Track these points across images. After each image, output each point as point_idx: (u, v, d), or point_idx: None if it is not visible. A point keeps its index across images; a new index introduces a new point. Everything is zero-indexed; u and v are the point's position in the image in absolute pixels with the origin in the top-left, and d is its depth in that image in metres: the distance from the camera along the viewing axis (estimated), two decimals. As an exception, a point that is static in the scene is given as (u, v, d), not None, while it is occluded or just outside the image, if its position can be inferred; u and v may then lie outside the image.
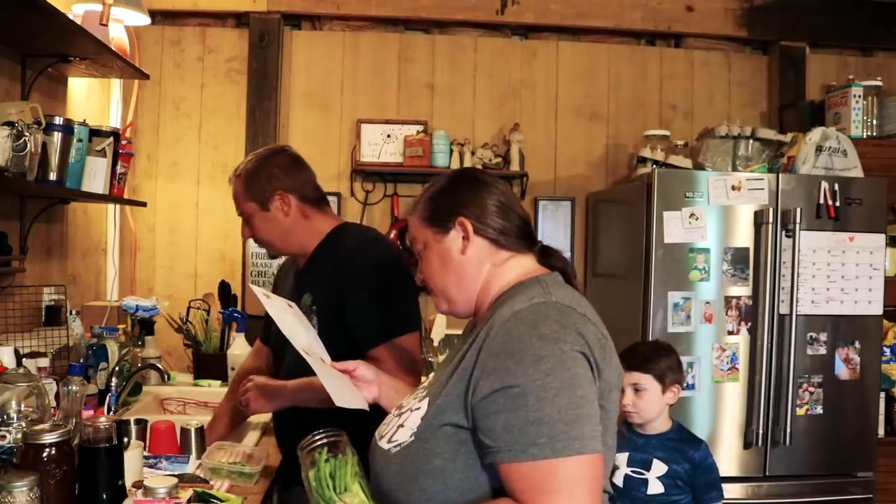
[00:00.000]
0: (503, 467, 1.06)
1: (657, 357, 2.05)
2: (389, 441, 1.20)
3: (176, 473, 1.62)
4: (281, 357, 1.91)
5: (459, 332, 2.97)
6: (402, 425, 1.20)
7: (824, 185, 2.72)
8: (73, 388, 1.51)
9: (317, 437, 1.23)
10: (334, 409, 1.36)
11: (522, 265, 1.26)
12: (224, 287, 3.10)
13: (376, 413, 1.41)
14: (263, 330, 2.16)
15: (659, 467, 1.99)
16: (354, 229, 1.97)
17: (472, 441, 1.11)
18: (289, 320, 1.55)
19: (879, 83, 3.26)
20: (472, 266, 1.25)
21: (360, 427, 1.32)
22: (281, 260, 2.19)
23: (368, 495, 1.18)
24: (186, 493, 1.46)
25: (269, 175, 1.84)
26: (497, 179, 1.32)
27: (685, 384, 2.50)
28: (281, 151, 1.92)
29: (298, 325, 1.57)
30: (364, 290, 1.74)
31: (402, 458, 1.16)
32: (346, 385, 1.42)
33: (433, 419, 1.15)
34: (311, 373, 1.44)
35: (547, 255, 1.29)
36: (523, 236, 1.27)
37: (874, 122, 3.22)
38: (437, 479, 1.12)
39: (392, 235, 3.18)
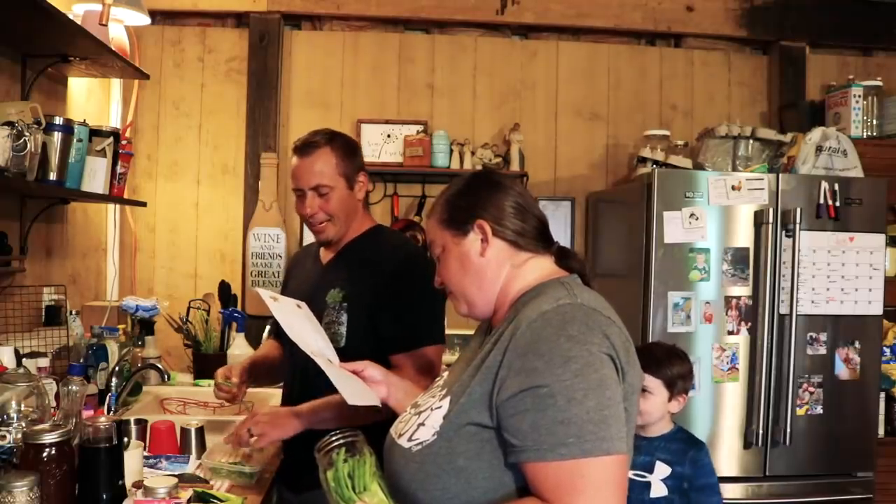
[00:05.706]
0: (529, 466, 1.06)
1: (671, 362, 1.99)
2: (410, 439, 1.20)
3: (176, 473, 1.62)
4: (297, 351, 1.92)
5: (459, 331, 3.01)
6: (422, 424, 1.19)
7: (824, 185, 2.72)
8: (73, 388, 1.51)
9: (334, 438, 1.23)
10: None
11: (542, 266, 1.26)
12: (224, 287, 3.10)
13: (390, 414, 1.41)
14: (275, 324, 2.13)
15: (662, 469, 1.94)
16: (391, 233, 2.04)
17: (496, 440, 1.11)
18: (296, 322, 1.55)
19: (879, 83, 3.26)
20: (491, 268, 1.25)
21: (375, 427, 1.32)
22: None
23: (387, 494, 1.18)
24: (186, 493, 1.46)
25: (360, 155, 1.93)
26: (514, 181, 1.32)
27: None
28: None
29: (307, 325, 1.58)
30: (402, 295, 1.75)
31: (423, 457, 1.16)
32: (357, 384, 1.43)
33: (456, 418, 1.14)
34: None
35: (564, 257, 1.29)
36: (541, 237, 1.28)
37: (874, 122, 3.22)
38: (459, 478, 1.12)
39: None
